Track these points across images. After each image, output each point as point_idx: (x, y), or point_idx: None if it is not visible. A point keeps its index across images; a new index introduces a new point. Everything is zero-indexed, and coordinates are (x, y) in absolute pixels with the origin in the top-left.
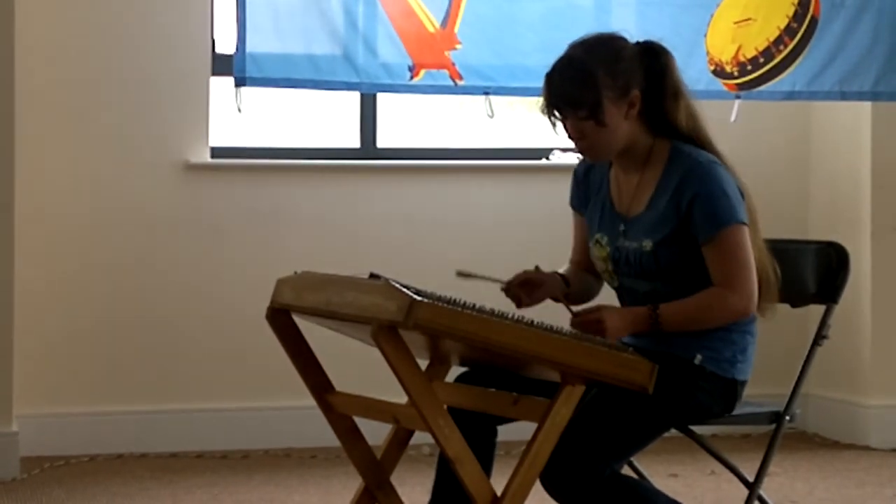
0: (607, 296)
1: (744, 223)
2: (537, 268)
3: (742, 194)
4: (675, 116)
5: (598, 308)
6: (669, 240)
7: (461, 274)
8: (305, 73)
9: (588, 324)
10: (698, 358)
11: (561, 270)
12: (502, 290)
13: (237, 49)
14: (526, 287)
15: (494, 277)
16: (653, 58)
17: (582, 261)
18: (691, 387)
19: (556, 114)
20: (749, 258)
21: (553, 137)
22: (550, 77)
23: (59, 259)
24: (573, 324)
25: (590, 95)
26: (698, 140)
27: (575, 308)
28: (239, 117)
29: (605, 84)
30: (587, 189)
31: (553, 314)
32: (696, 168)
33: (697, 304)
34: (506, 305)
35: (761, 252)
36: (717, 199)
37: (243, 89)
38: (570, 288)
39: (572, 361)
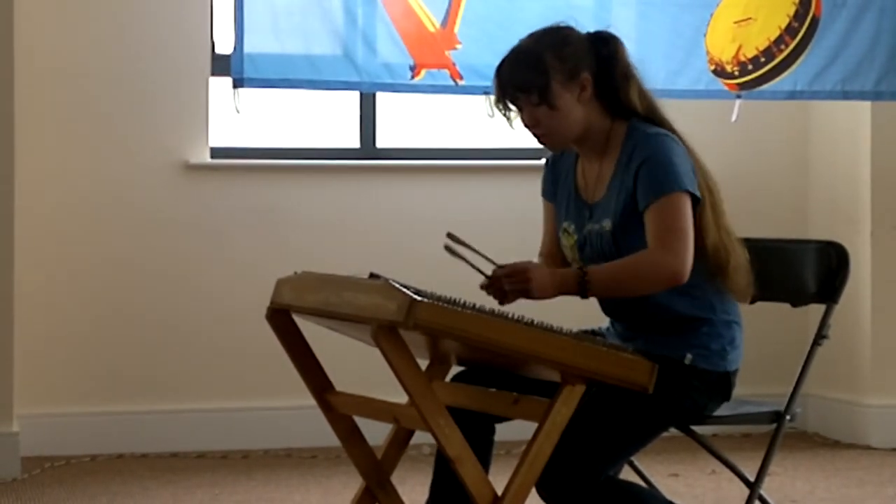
0: None
1: (688, 192)
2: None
3: (694, 171)
4: (629, 97)
5: (527, 262)
6: (626, 216)
7: (449, 250)
8: (304, 74)
9: (513, 273)
10: (688, 357)
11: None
12: (482, 286)
13: (235, 50)
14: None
15: (479, 268)
16: (601, 43)
17: (552, 252)
18: (685, 387)
19: (510, 106)
20: (686, 225)
21: None
22: (500, 68)
23: (60, 259)
24: (496, 273)
25: (538, 79)
26: (655, 119)
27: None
28: (238, 117)
29: (553, 67)
30: (556, 178)
31: (553, 314)
32: (645, 139)
33: (626, 264)
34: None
35: (724, 231)
36: (661, 167)
37: (241, 90)
38: None
39: (572, 361)
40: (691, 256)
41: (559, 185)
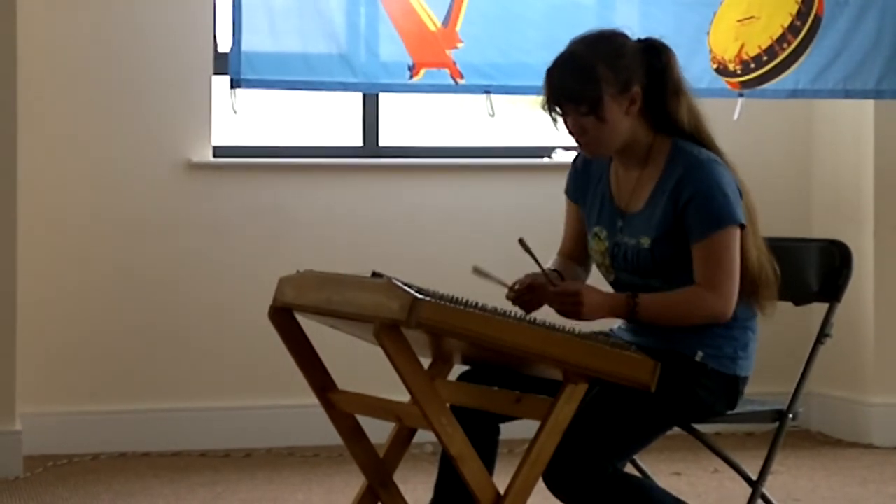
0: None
1: (739, 223)
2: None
3: (741, 193)
4: (677, 114)
5: (579, 282)
6: (666, 238)
7: (477, 271)
8: (302, 74)
9: (565, 295)
10: (699, 355)
11: (551, 265)
12: (508, 298)
13: (232, 50)
14: (533, 292)
15: (504, 282)
16: (654, 55)
17: (571, 251)
18: (693, 384)
19: (557, 109)
20: (734, 263)
21: (555, 136)
22: (551, 73)
23: (63, 258)
24: (551, 294)
25: (591, 91)
26: (699, 138)
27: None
28: (241, 116)
29: (606, 79)
30: (586, 181)
31: (553, 313)
32: (696, 166)
33: (676, 300)
34: (507, 304)
35: (760, 251)
36: (714, 200)
37: (239, 90)
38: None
39: (575, 360)
40: (737, 294)
41: (590, 189)
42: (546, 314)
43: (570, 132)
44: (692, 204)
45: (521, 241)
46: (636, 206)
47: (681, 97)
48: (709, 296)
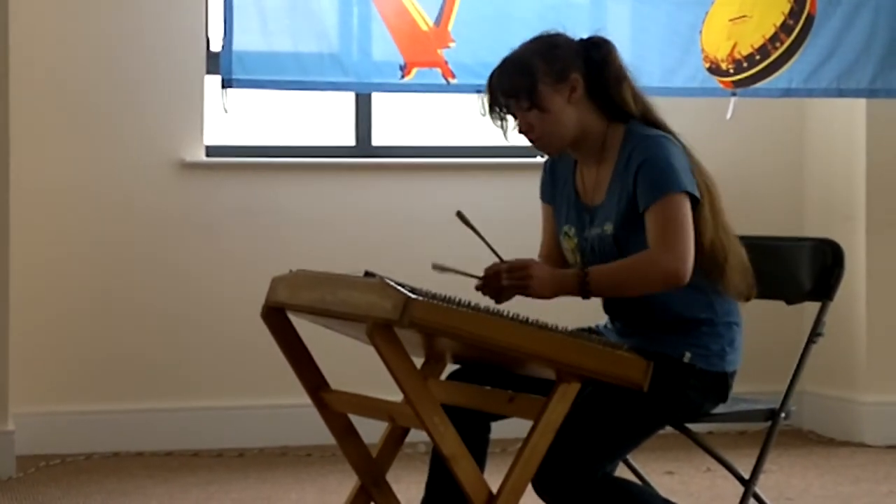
0: None
1: (688, 192)
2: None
3: (692, 171)
4: (624, 99)
5: (529, 259)
6: (627, 219)
7: (437, 267)
8: (293, 74)
9: (514, 268)
10: (687, 356)
11: None
12: (477, 288)
13: (223, 50)
14: (497, 277)
15: (469, 273)
16: (593, 48)
17: (549, 253)
18: (682, 386)
19: (502, 113)
20: (687, 225)
21: None
22: (490, 77)
23: (55, 257)
24: (498, 266)
25: (525, 82)
26: (651, 120)
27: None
28: (234, 115)
29: (540, 70)
30: (553, 183)
31: (550, 311)
32: (643, 140)
33: (628, 265)
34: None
35: (722, 231)
36: (659, 168)
37: (230, 90)
38: None
39: (568, 359)
40: (692, 256)
41: (558, 189)
42: (541, 314)
43: (521, 133)
44: (639, 173)
45: (459, 214)
46: (600, 199)
47: (623, 83)
48: (662, 256)
